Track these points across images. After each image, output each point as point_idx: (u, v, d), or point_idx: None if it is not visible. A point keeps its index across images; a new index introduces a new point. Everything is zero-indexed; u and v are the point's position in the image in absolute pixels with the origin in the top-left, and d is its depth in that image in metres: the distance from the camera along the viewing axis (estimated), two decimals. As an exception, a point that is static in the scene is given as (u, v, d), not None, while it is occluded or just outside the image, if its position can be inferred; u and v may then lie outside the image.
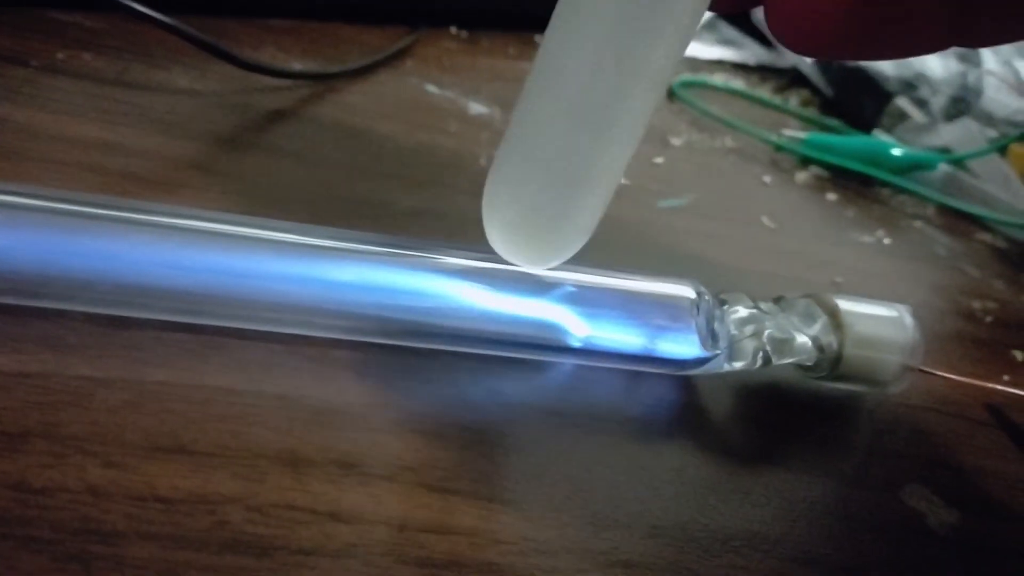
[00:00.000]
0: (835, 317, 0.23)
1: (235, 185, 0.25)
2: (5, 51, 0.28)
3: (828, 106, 0.44)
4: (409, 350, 0.21)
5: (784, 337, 0.22)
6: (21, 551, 0.14)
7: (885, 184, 0.37)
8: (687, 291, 0.22)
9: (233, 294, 0.20)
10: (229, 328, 0.20)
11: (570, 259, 0.22)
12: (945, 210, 0.37)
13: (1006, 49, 0.49)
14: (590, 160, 0.20)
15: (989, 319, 0.30)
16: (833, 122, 0.42)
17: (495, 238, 0.21)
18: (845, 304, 0.23)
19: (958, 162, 0.38)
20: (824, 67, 0.44)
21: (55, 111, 0.26)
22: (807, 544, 0.19)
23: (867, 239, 0.33)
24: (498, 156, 0.21)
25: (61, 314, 0.19)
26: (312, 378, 0.19)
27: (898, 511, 0.21)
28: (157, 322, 0.19)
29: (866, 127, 0.41)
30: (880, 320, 0.23)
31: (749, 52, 0.47)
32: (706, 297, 0.22)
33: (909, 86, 0.42)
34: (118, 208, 0.19)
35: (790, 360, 0.22)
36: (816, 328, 0.22)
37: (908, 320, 0.23)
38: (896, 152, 0.37)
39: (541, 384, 0.21)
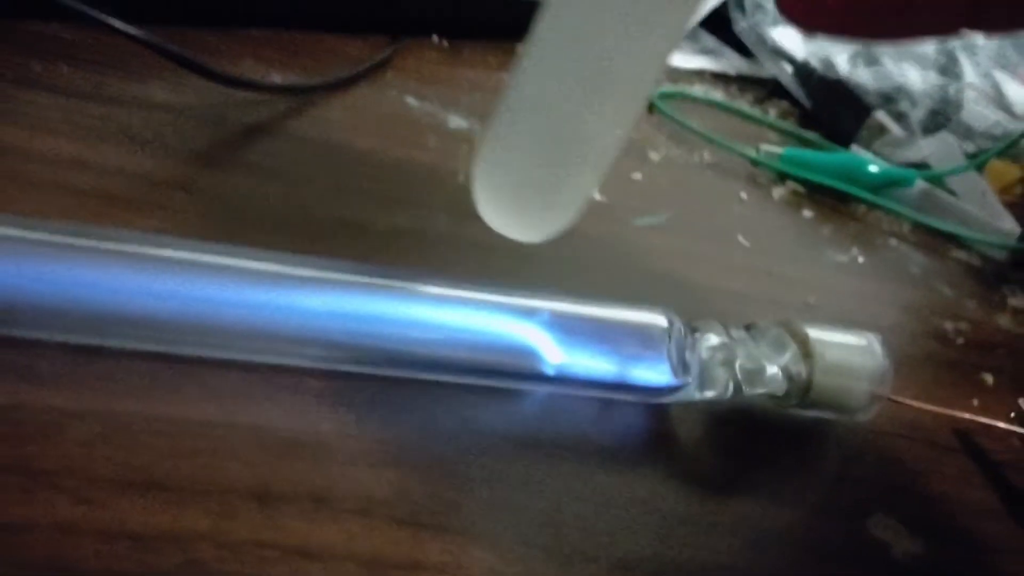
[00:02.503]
0: (805, 346, 0.23)
1: (212, 205, 0.25)
2: (-20, 64, 0.27)
3: (807, 118, 0.44)
4: (383, 378, 0.21)
5: (754, 367, 0.22)
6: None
7: (861, 200, 0.37)
8: (659, 319, 0.23)
9: (207, 323, 0.20)
10: (203, 357, 0.20)
11: (544, 286, 0.22)
12: (920, 227, 0.37)
13: (986, 61, 0.50)
14: (586, 133, 0.20)
15: (960, 340, 0.31)
16: (812, 135, 0.42)
17: (487, 210, 0.21)
18: (815, 332, 0.23)
19: (935, 178, 0.39)
20: (803, 79, 0.45)
21: (29, 127, 0.25)
22: (774, 575, 0.20)
23: (842, 258, 0.33)
24: (490, 127, 0.20)
25: (33, 344, 0.19)
26: (285, 408, 0.20)
27: (864, 540, 0.21)
28: (131, 351, 0.19)
29: (845, 140, 0.42)
30: (850, 349, 0.23)
31: (729, 62, 0.47)
32: (677, 325, 0.22)
33: (888, 99, 0.43)
34: (91, 236, 0.19)
35: (760, 390, 0.23)
36: (786, 357, 0.23)
37: (877, 348, 0.23)
38: (873, 168, 0.38)
39: (513, 413, 0.22)
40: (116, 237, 0.20)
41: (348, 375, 0.21)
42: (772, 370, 0.23)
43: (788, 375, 0.23)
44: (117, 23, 0.27)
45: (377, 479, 0.19)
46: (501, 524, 0.19)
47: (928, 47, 0.47)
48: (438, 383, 0.21)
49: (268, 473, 0.18)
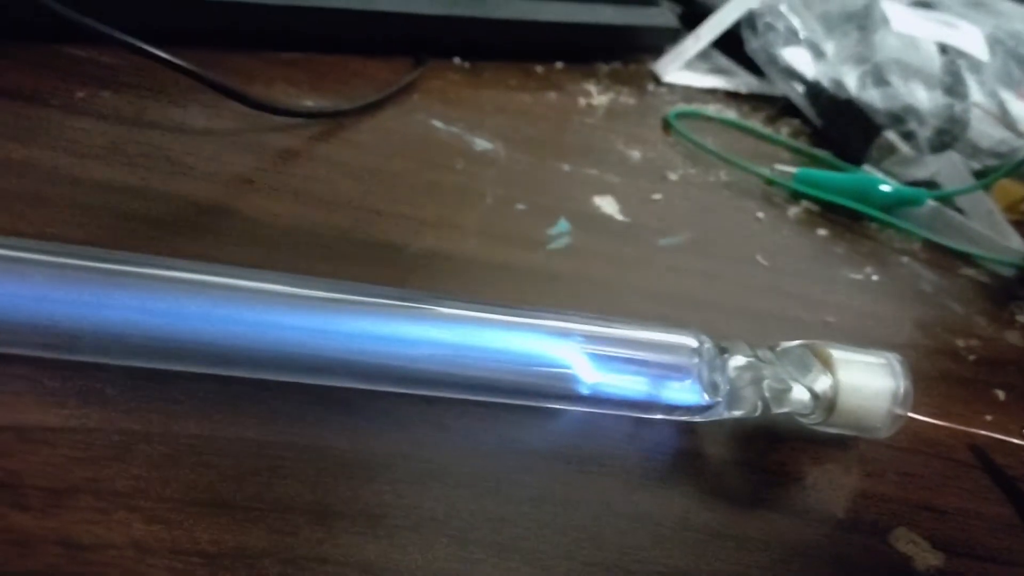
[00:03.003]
0: (828, 366, 0.24)
1: (254, 229, 0.26)
2: (26, 90, 0.28)
3: (818, 137, 0.45)
4: (427, 399, 0.22)
5: (782, 387, 0.23)
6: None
7: (874, 219, 0.38)
8: (689, 340, 0.23)
9: (261, 347, 0.21)
10: (259, 380, 0.21)
11: (576, 308, 0.23)
12: (931, 245, 0.38)
13: (991, 80, 0.51)
14: None
15: (972, 357, 0.32)
16: (823, 153, 0.43)
17: None
18: (838, 353, 0.24)
19: (944, 197, 0.40)
20: (814, 98, 0.46)
21: (77, 153, 0.26)
22: (802, 588, 0.21)
23: (857, 276, 0.34)
24: None
25: (100, 368, 0.20)
26: (338, 429, 0.20)
27: (887, 555, 0.22)
28: (191, 374, 0.20)
29: (855, 159, 0.43)
30: (871, 369, 0.24)
31: (741, 81, 0.48)
32: (707, 346, 0.23)
33: (897, 119, 0.44)
34: (152, 265, 0.20)
35: (787, 409, 0.23)
36: (811, 377, 0.24)
37: (898, 368, 0.24)
38: (884, 188, 0.38)
39: (551, 432, 0.23)
40: (176, 266, 0.20)
41: (394, 395, 0.22)
42: (798, 390, 0.24)
43: (813, 395, 0.23)
44: (158, 52, 0.28)
45: (426, 496, 0.19)
46: (543, 539, 0.20)
47: (934, 67, 0.48)
48: (478, 403, 0.22)
49: (324, 491, 0.19)
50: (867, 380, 0.24)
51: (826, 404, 0.24)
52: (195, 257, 0.24)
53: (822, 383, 0.24)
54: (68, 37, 0.31)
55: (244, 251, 0.25)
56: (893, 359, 0.24)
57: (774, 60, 0.47)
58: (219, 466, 0.19)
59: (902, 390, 0.24)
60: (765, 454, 0.24)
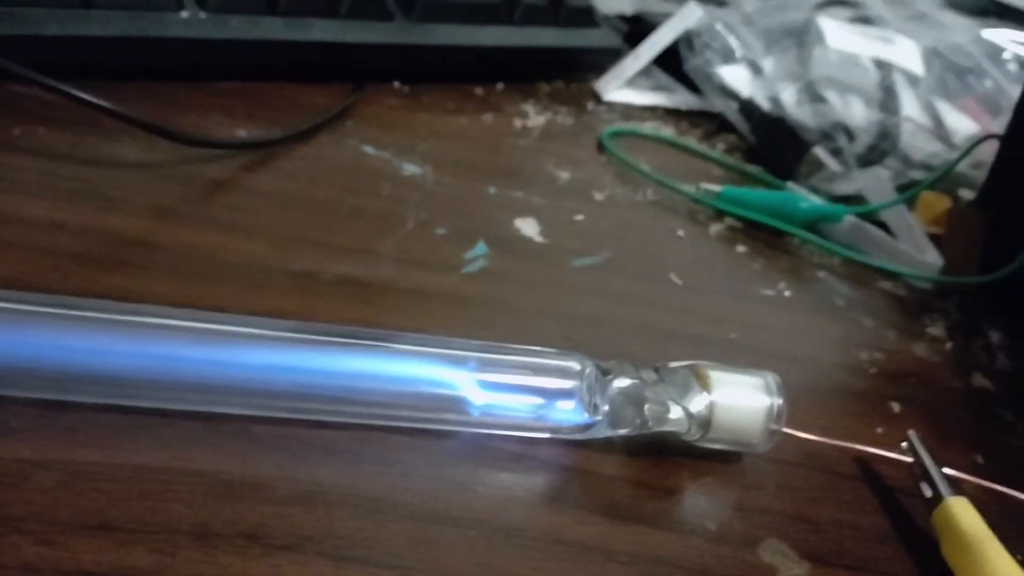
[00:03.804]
0: (707, 386, 0.25)
1: (173, 261, 0.27)
2: (-37, 128, 0.30)
3: (752, 153, 0.47)
4: (318, 423, 0.23)
5: (660, 408, 0.25)
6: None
7: (794, 235, 0.40)
8: (573, 364, 0.25)
9: (160, 378, 0.22)
10: (157, 408, 0.22)
11: (474, 335, 0.25)
12: (850, 260, 0.39)
13: (925, 93, 0.52)
14: None
15: (874, 370, 0.33)
16: (754, 169, 0.45)
17: None
18: (716, 374, 0.25)
19: (865, 212, 0.41)
20: (748, 115, 0.47)
21: (8, 190, 0.28)
22: (664, 598, 0.22)
23: (769, 292, 0.36)
24: None
25: (3, 400, 0.21)
26: (229, 453, 0.22)
27: (752, 566, 0.23)
28: (93, 405, 0.22)
29: (786, 174, 0.44)
30: (746, 388, 0.25)
31: (681, 99, 0.49)
32: (589, 369, 0.25)
33: (827, 136, 0.45)
34: (55, 304, 0.22)
35: (666, 428, 0.25)
36: (689, 397, 0.25)
37: (773, 387, 0.26)
38: (803, 205, 0.40)
39: (439, 453, 0.24)
40: (77, 304, 0.22)
41: (291, 422, 0.23)
42: (675, 410, 0.25)
43: (688, 414, 0.25)
44: (83, 95, 0.29)
45: (307, 516, 0.21)
46: (420, 557, 0.21)
47: (871, 82, 0.50)
48: (369, 426, 0.24)
49: (208, 513, 0.20)
50: (741, 398, 0.25)
51: (702, 422, 0.25)
52: (113, 289, 0.26)
53: (698, 402, 0.25)
54: (6, 76, 0.32)
55: (161, 283, 0.27)
56: (769, 377, 0.26)
57: (710, 78, 0.48)
58: (109, 491, 0.20)
59: (776, 407, 0.25)
60: (647, 470, 0.25)
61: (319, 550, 0.20)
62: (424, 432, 0.24)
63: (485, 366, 0.24)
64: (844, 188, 0.44)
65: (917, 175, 0.46)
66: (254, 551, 0.20)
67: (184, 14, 0.35)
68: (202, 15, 0.36)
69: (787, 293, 0.36)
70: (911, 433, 0.27)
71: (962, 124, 0.52)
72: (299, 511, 0.21)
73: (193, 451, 0.22)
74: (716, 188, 0.40)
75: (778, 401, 0.25)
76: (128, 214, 0.29)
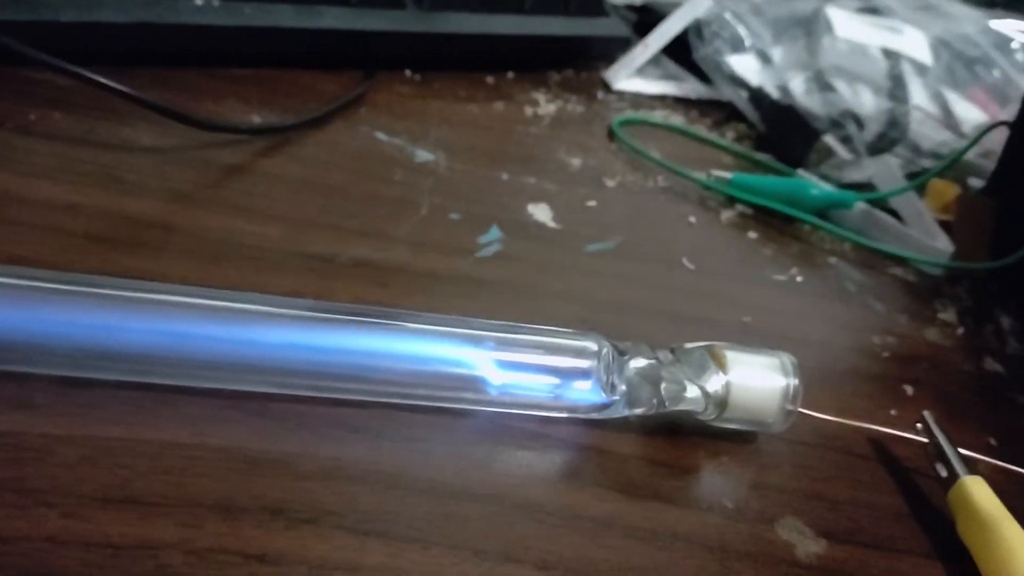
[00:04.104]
0: (723, 366, 0.25)
1: (190, 243, 0.28)
2: (-19, 113, 0.30)
3: (761, 141, 0.47)
4: (340, 401, 0.23)
5: (676, 387, 0.25)
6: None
7: (804, 222, 0.40)
8: (590, 344, 0.25)
9: (182, 356, 0.22)
10: (178, 386, 0.22)
11: (491, 315, 0.25)
12: (861, 246, 0.39)
13: (934, 82, 0.52)
14: None
15: (886, 354, 0.33)
16: (764, 157, 0.45)
17: None
18: (732, 354, 0.25)
19: (875, 200, 0.41)
20: (757, 103, 0.47)
21: (26, 173, 0.28)
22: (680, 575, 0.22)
23: (781, 277, 0.36)
24: None
25: (29, 377, 0.21)
26: (251, 430, 0.22)
27: (770, 542, 0.24)
28: (115, 382, 0.22)
29: (796, 162, 0.44)
30: (762, 368, 0.25)
31: (690, 87, 0.49)
32: (606, 349, 0.25)
33: (836, 123, 0.45)
34: (78, 282, 0.22)
35: (682, 408, 0.25)
36: (706, 377, 0.25)
37: (789, 367, 0.26)
38: (814, 192, 0.40)
39: (458, 431, 0.24)
40: (100, 283, 0.22)
41: (308, 399, 0.23)
42: (692, 389, 0.25)
43: (705, 393, 0.25)
44: (101, 79, 0.29)
45: (329, 491, 0.21)
46: (439, 530, 0.21)
47: (880, 71, 0.49)
48: (390, 405, 0.24)
49: (231, 488, 0.20)
50: (757, 378, 0.25)
51: (718, 401, 0.25)
52: (131, 270, 0.26)
53: (715, 382, 0.25)
54: (18, 61, 0.32)
55: (178, 264, 0.27)
56: (785, 358, 0.26)
57: (719, 67, 0.48)
58: (133, 466, 0.20)
59: (792, 387, 0.25)
60: (664, 449, 0.25)
61: (341, 524, 0.20)
62: (443, 411, 0.24)
63: (503, 346, 0.24)
64: (854, 176, 0.44)
65: (926, 163, 0.46)
66: (277, 524, 0.20)
67: (198, 1, 0.35)
68: (215, 2, 0.36)
69: (799, 278, 0.36)
70: (926, 414, 0.27)
71: (970, 113, 0.52)
72: (321, 486, 0.21)
73: (215, 428, 0.22)
74: (727, 175, 0.40)
75: (794, 381, 0.25)
76: (144, 197, 0.29)
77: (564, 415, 0.25)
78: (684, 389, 0.25)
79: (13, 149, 0.29)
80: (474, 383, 0.24)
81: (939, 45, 0.54)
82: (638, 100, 0.47)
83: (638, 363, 0.25)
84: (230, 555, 0.19)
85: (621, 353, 0.25)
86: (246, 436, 0.22)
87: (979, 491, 0.25)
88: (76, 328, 0.21)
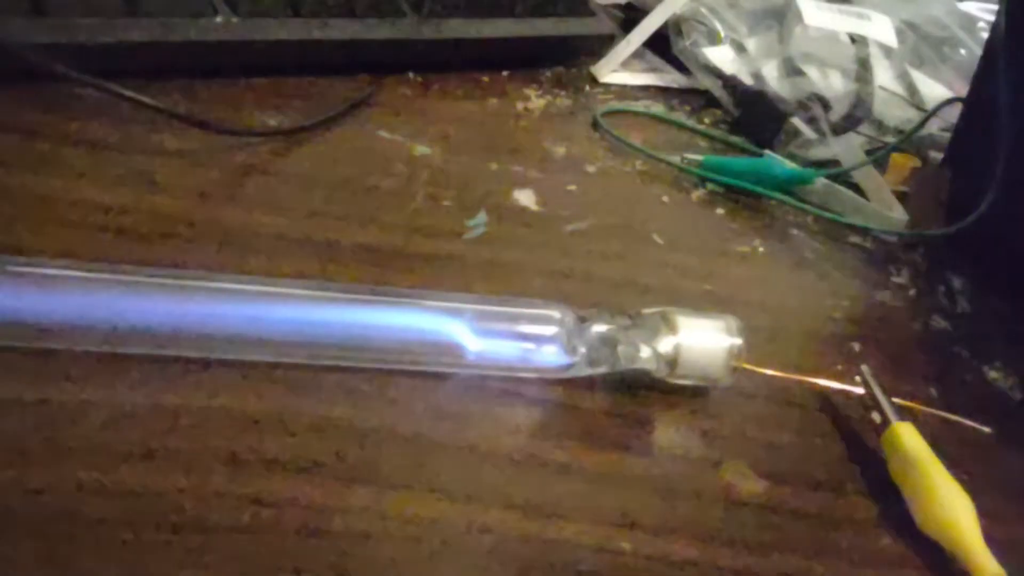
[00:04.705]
0: (674, 329, 0.26)
1: (213, 235, 0.29)
2: (32, 125, 0.31)
3: (735, 125, 0.47)
4: (339, 368, 0.25)
5: (632, 349, 0.26)
6: (23, 539, 0.19)
7: (769, 197, 0.40)
8: (555, 313, 0.26)
9: (199, 332, 0.24)
10: (192, 357, 0.24)
11: (470, 291, 0.26)
12: (823, 220, 0.40)
13: (899, 63, 0.51)
14: None
15: (838, 315, 0.33)
16: (737, 140, 0.45)
17: None
18: (682, 319, 0.26)
19: (836, 175, 0.41)
20: (731, 91, 0.47)
21: (68, 177, 0.29)
22: (631, 513, 0.23)
23: (744, 249, 0.36)
24: None
25: (65, 353, 0.23)
26: (257, 395, 0.23)
27: (713, 483, 0.24)
28: (139, 355, 0.23)
29: (766, 144, 0.44)
30: (709, 330, 0.26)
31: (671, 78, 0.49)
32: (568, 317, 0.26)
33: (803, 106, 0.45)
34: (107, 271, 0.23)
35: (638, 367, 0.26)
36: (658, 339, 0.26)
37: (733, 328, 0.26)
38: (778, 170, 0.40)
39: (437, 392, 0.25)
40: (127, 271, 0.24)
41: (307, 367, 0.24)
42: (645, 350, 0.26)
43: (657, 353, 0.26)
44: (131, 93, 0.31)
45: (321, 445, 0.22)
46: (415, 476, 0.22)
47: (847, 56, 0.49)
48: (381, 370, 0.25)
49: (237, 444, 0.22)
50: (704, 339, 0.26)
51: (669, 360, 0.26)
52: (159, 260, 0.27)
53: (666, 344, 0.26)
54: (61, 80, 0.33)
55: (201, 254, 0.28)
56: (731, 320, 0.27)
57: (696, 58, 0.48)
58: (152, 427, 0.21)
59: (735, 346, 0.26)
60: (622, 404, 0.26)
61: (331, 473, 0.22)
62: (426, 374, 0.25)
63: (479, 317, 0.26)
64: (820, 154, 0.44)
65: (891, 140, 0.46)
66: (275, 474, 0.21)
67: (218, 19, 0.37)
68: (234, 19, 0.37)
69: (761, 249, 0.36)
70: (863, 367, 0.28)
71: (936, 91, 0.51)
72: (314, 440, 0.22)
73: (226, 393, 0.23)
74: (698, 157, 0.40)
75: (737, 341, 0.26)
76: (171, 196, 0.30)
77: (533, 375, 0.26)
78: (638, 350, 0.26)
79: (57, 156, 0.30)
80: (454, 349, 0.25)
81: (906, 28, 0.53)
82: (623, 91, 0.48)
83: (599, 328, 0.26)
84: (234, 499, 0.20)
85: (583, 320, 0.26)
86: (252, 400, 0.23)
87: (907, 435, 0.26)
88: (107, 310, 0.23)
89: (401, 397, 0.24)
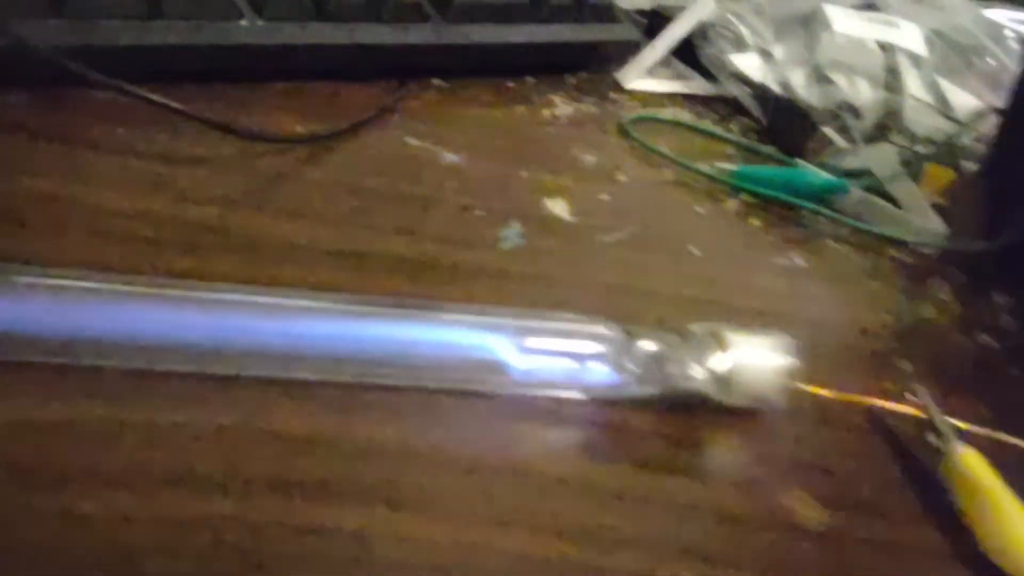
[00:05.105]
0: (726, 347, 0.25)
1: (240, 244, 0.28)
2: (54, 130, 0.30)
3: (764, 133, 0.46)
4: (380, 386, 0.24)
5: (683, 368, 0.25)
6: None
7: (804, 208, 0.39)
8: (603, 329, 0.25)
9: (235, 347, 0.23)
10: (227, 374, 0.23)
11: (513, 304, 0.25)
12: (859, 231, 0.39)
13: (929, 72, 0.51)
14: None
15: (883, 331, 0.32)
16: (768, 149, 0.44)
17: None
18: (735, 336, 0.25)
19: (873, 186, 0.40)
20: (760, 98, 0.46)
21: (93, 184, 0.29)
22: (692, 542, 0.22)
23: (783, 261, 0.35)
24: None
25: (95, 369, 0.22)
26: (299, 414, 0.22)
27: (774, 511, 0.23)
28: (172, 371, 0.22)
29: (796, 153, 0.43)
30: (763, 349, 0.25)
31: (697, 85, 0.49)
32: (618, 334, 0.25)
33: (834, 115, 0.44)
34: (141, 284, 0.23)
35: (689, 387, 0.25)
36: (710, 358, 0.25)
37: (787, 346, 0.25)
38: (813, 179, 0.39)
39: (483, 413, 0.24)
40: (162, 283, 0.23)
41: (348, 384, 0.23)
42: (697, 370, 0.25)
43: (711, 373, 0.25)
44: (157, 97, 0.30)
45: (370, 469, 0.21)
46: (467, 505, 0.21)
47: (876, 64, 0.48)
48: (423, 389, 0.24)
49: (282, 467, 0.21)
50: (758, 358, 0.25)
51: (722, 380, 0.25)
52: (188, 271, 0.26)
53: (719, 362, 0.25)
54: (85, 84, 0.33)
55: (229, 264, 0.27)
56: (784, 339, 0.26)
57: (724, 65, 0.47)
58: (192, 448, 0.20)
59: (790, 366, 0.25)
60: (673, 425, 0.25)
61: (381, 499, 0.21)
62: (469, 393, 0.24)
63: (524, 333, 0.25)
64: (851, 163, 0.43)
65: (922, 150, 0.45)
66: (323, 500, 0.20)
67: (243, 22, 0.36)
68: (259, 22, 0.36)
69: (799, 262, 0.36)
70: (918, 387, 0.27)
71: (965, 100, 0.51)
72: (362, 464, 0.21)
73: (266, 412, 0.22)
74: (731, 167, 0.40)
75: (792, 360, 0.25)
76: (198, 203, 0.29)
77: (579, 395, 0.25)
78: (690, 369, 0.25)
79: (81, 162, 0.29)
80: (499, 368, 0.24)
81: (934, 36, 0.53)
82: (649, 99, 0.47)
83: (648, 346, 0.25)
84: (281, 528, 0.19)
85: (631, 337, 0.25)
86: (294, 419, 0.22)
87: (972, 461, 0.25)
88: (138, 325, 0.22)
89: (448, 418, 0.24)
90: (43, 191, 0.27)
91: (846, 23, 0.49)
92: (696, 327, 0.26)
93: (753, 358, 0.25)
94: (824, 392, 0.27)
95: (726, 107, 0.48)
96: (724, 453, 0.25)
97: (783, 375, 0.25)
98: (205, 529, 0.19)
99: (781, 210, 0.39)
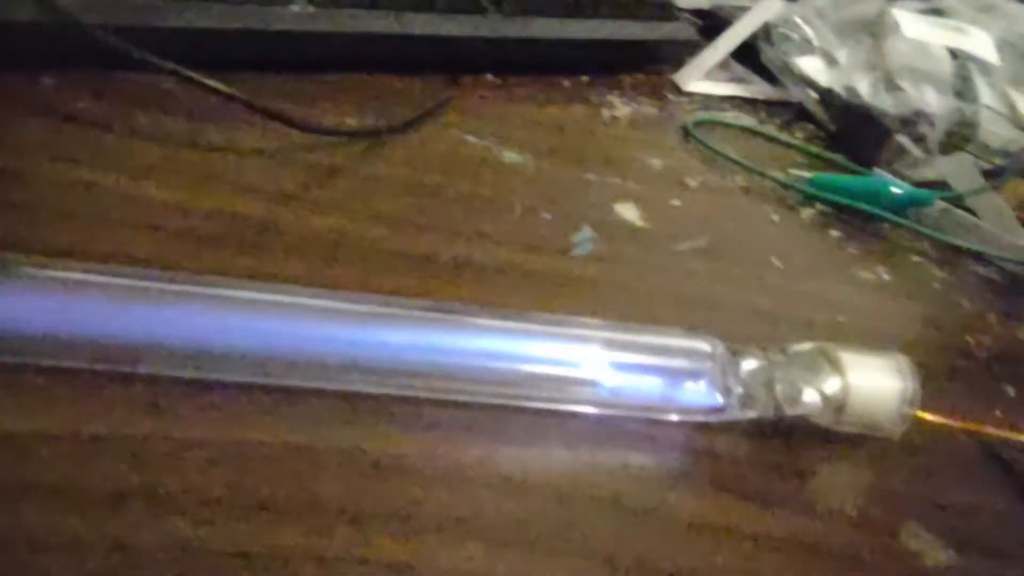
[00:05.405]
0: (838, 368, 0.23)
1: (297, 243, 0.26)
2: (95, 117, 0.28)
3: (831, 140, 0.44)
4: (456, 403, 0.21)
5: (793, 389, 0.22)
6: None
7: (885, 220, 0.37)
8: (703, 345, 0.23)
9: (299, 356, 0.20)
10: (298, 387, 0.20)
11: (598, 316, 0.23)
12: (942, 244, 0.36)
13: (1001, 81, 0.48)
14: None
15: (983, 354, 0.30)
16: (836, 157, 0.42)
17: None
18: (848, 355, 0.23)
19: (955, 198, 0.38)
20: (827, 104, 0.44)
21: (137, 175, 0.26)
22: (812, 584, 0.20)
23: (868, 276, 0.33)
24: None
25: (153, 379, 0.19)
26: (372, 433, 0.20)
27: (896, 551, 0.21)
28: (232, 383, 0.20)
29: (867, 161, 0.41)
30: (880, 370, 0.23)
31: (758, 88, 0.46)
32: (720, 350, 0.22)
33: (907, 123, 0.42)
34: (200, 283, 0.20)
35: (799, 411, 0.22)
36: (821, 379, 0.23)
37: (906, 369, 0.23)
38: (895, 190, 0.37)
39: (572, 433, 0.22)
40: (217, 283, 0.20)
41: (422, 400, 0.21)
42: (809, 392, 0.23)
43: (824, 396, 0.22)
44: (208, 81, 0.28)
45: (454, 497, 0.19)
46: (564, 537, 0.19)
47: (946, 71, 0.46)
48: (504, 406, 0.22)
49: (358, 493, 0.18)
50: (876, 381, 0.23)
51: (836, 405, 0.23)
52: (243, 270, 0.24)
53: (832, 385, 0.23)
54: (131, 66, 0.30)
55: (287, 264, 0.25)
56: (901, 360, 0.23)
57: (788, 68, 0.45)
58: (259, 470, 0.18)
59: (910, 390, 0.23)
60: (778, 453, 0.23)
61: (469, 532, 0.18)
62: (553, 412, 0.22)
63: (615, 347, 0.22)
64: (927, 174, 0.41)
65: (996, 161, 0.43)
66: (405, 532, 0.18)
67: (295, 8, 0.34)
68: (311, 8, 0.34)
69: (885, 276, 0.33)
70: (1042, 417, 0.25)
71: (1034, 111, 0.48)
72: (445, 491, 0.19)
73: (335, 430, 0.20)
74: (806, 174, 0.37)
75: (912, 384, 0.23)
76: (252, 198, 0.27)
77: (674, 418, 0.23)
78: (801, 392, 0.23)
79: (121, 150, 0.27)
80: (587, 384, 0.22)
81: (1002, 44, 0.50)
82: (708, 102, 0.45)
83: (750, 364, 0.23)
84: (359, 564, 0.17)
85: (735, 355, 0.23)
86: (367, 438, 0.20)
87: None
88: (197, 330, 0.20)
89: (533, 439, 0.21)
90: (84, 179, 0.25)
91: (915, 28, 0.47)
92: (801, 346, 0.24)
93: (871, 381, 0.23)
94: (933, 418, 0.25)
95: (787, 112, 0.46)
96: (834, 485, 0.23)
97: (902, 401, 0.23)
98: (276, 565, 0.17)
99: (858, 220, 0.37)
